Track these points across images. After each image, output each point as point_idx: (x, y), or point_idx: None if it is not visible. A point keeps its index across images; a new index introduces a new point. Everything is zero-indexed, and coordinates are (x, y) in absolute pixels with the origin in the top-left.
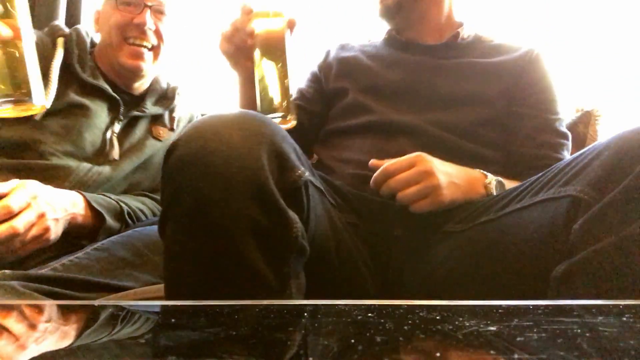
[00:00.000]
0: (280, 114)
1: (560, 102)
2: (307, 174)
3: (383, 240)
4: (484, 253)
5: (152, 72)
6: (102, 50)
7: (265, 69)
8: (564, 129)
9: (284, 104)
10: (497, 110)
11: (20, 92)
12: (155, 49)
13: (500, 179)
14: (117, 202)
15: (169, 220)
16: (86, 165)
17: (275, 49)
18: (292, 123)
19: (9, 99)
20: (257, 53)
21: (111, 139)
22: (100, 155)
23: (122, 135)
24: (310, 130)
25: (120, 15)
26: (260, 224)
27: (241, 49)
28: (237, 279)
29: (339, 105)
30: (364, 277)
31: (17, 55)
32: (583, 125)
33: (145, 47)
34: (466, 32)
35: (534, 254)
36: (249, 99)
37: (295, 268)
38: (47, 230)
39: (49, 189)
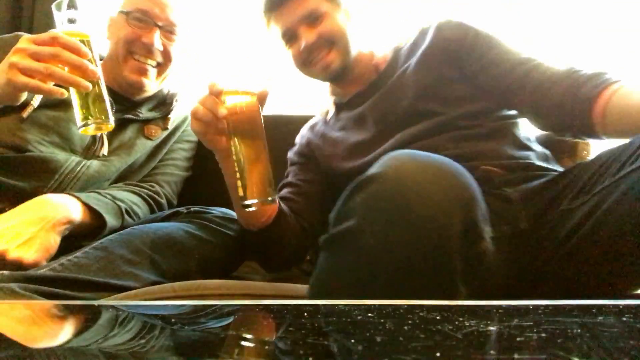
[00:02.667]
0: (263, 200)
1: (514, 47)
2: (490, 237)
3: (510, 237)
4: (608, 218)
5: (154, 87)
6: (107, 60)
7: (243, 149)
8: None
9: (268, 186)
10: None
11: (102, 117)
12: (160, 67)
13: None
14: (112, 201)
15: (339, 241)
16: (75, 159)
17: (251, 128)
18: (274, 203)
19: (95, 122)
20: (234, 136)
21: (101, 136)
22: (89, 150)
23: (113, 134)
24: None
25: (130, 30)
26: (431, 287)
27: (213, 128)
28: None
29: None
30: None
31: (97, 89)
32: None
33: (150, 64)
34: (381, 57)
35: None
36: (233, 177)
37: None
38: (19, 260)
39: (7, 215)
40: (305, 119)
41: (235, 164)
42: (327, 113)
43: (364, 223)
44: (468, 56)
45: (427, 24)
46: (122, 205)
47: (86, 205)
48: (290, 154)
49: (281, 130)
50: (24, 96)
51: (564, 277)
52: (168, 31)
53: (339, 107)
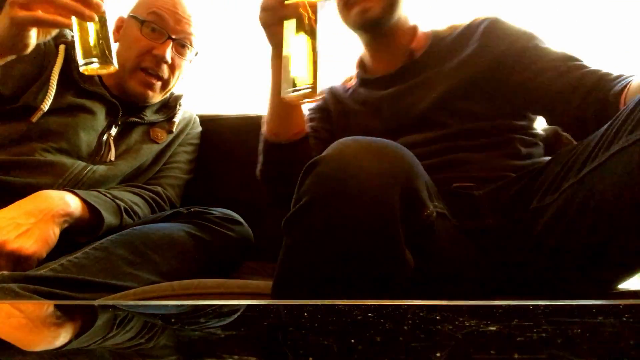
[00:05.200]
0: (308, 86)
1: (555, 47)
2: (435, 210)
3: (477, 232)
4: (577, 217)
5: (157, 99)
6: None
7: (295, 39)
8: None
9: (313, 76)
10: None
11: (106, 54)
12: (166, 81)
13: None
14: (112, 200)
15: (296, 223)
16: (81, 163)
17: (306, 20)
18: (319, 97)
19: (98, 60)
20: (288, 23)
21: (107, 141)
22: (96, 156)
23: (119, 138)
24: None
25: (143, 42)
26: (377, 259)
27: (277, 18)
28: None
29: None
30: (474, 274)
31: (102, 26)
32: None
33: (157, 77)
34: (421, 39)
35: (622, 205)
36: (284, 71)
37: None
38: (18, 250)
39: (6, 208)
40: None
41: (289, 53)
42: (349, 80)
43: (312, 202)
44: (514, 65)
45: (477, 17)
46: (122, 204)
47: (85, 201)
48: (308, 113)
49: None
50: (31, 43)
51: (539, 273)
52: (181, 45)
53: (364, 81)
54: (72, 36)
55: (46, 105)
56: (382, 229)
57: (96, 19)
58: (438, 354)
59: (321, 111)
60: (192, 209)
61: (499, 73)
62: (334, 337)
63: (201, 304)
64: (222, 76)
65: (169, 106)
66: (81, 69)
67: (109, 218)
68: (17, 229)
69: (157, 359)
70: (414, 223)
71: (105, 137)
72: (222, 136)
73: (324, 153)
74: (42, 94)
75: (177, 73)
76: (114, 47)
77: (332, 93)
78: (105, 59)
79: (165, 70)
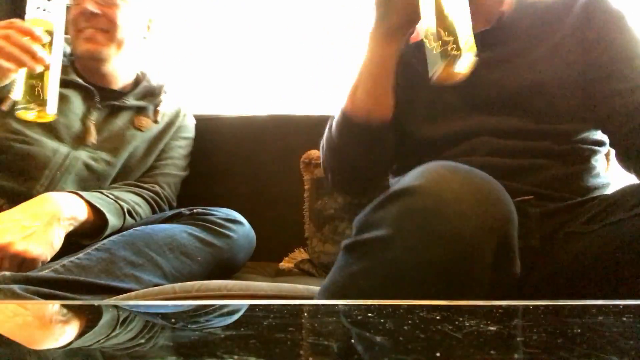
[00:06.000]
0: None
1: None
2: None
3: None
4: (617, 252)
5: (117, 58)
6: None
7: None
8: None
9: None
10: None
11: (42, 104)
12: (108, 33)
13: None
14: (115, 201)
15: (366, 249)
16: (63, 151)
17: None
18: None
19: (33, 107)
20: None
21: (87, 124)
22: (77, 139)
23: (102, 124)
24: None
25: (72, 10)
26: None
27: None
28: None
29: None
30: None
31: (45, 76)
32: None
33: (92, 30)
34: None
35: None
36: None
37: None
38: (23, 253)
39: (12, 210)
40: (308, 119)
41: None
42: (412, 31)
43: (395, 234)
44: (599, 56)
45: None
46: (125, 205)
47: (89, 203)
48: None
49: (281, 130)
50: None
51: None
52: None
53: None
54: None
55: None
56: (468, 284)
57: (39, 70)
58: (438, 354)
59: None
60: (194, 210)
61: (587, 60)
62: (334, 337)
63: (202, 304)
64: (222, 76)
65: (154, 94)
66: (17, 112)
67: (113, 220)
68: (22, 231)
69: (157, 359)
70: (498, 279)
71: (86, 122)
72: (222, 136)
73: (417, 182)
74: (10, 84)
75: (114, 24)
76: (53, 95)
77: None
78: (41, 107)
79: (99, 23)
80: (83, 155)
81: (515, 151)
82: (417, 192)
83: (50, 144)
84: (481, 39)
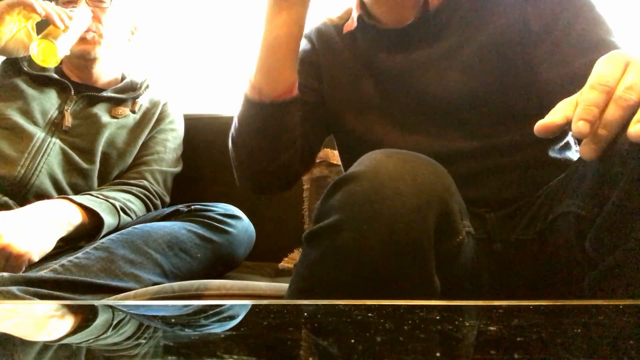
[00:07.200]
0: None
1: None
2: (466, 231)
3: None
4: (547, 258)
5: (103, 56)
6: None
7: None
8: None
9: None
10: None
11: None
12: (99, 35)
13: None
14: (106, 200)
15: (324, 239)
16: (41, 134)
17: None
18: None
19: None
20: None
21: (62, 110)
22: (53, 124)
23: (78, 113)
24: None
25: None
26: (406, 284)
27: None
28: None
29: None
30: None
31: (63, 32)
32: None
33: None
34: None
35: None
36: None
37: None
38: (8, 246)
39: (9, 211)
40: None
41: None
42: (345, 18)
43: (342, 220)
44: (539, 39)
45: None
46: (117, 203)
47: (81, 205)
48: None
49: None
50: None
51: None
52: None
53: (366, 29)
54: None
55: None
56: (415, 255)
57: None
58: (438, 354)
59: (308, 63)
60: (192, 206)
61: (527, 47)
62: (334, 337)
63: (201, 304)
64: (221, 75)
65: (135, 88)
66: (31, 47)
67: (108, 219)
68: (13, 227)
69: (157, 359)
70: (444, 249)
71: (61, 108)
72: (222, 136)
73: (357, 169)
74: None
75: (103, 21)
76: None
77: (321, 37)
78: (54, 44)
79: (92, 25)
80: (60, 140)
81: (462, 174)
82: (358, 178)
83: (27, 127)
84: (408, 32)
